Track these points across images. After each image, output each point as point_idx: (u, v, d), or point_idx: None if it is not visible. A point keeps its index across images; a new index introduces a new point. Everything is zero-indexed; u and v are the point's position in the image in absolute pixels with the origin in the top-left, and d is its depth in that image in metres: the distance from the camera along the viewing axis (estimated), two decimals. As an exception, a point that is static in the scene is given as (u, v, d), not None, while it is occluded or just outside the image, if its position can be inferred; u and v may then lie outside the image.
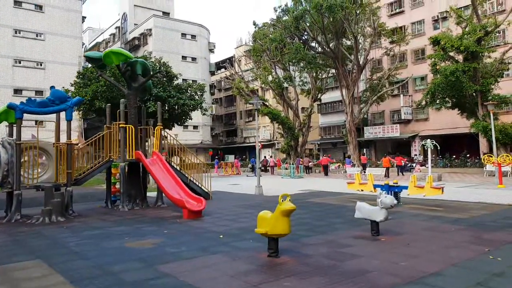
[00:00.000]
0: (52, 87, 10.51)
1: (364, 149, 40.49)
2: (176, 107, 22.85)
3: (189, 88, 24.58)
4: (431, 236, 7.37)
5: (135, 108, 12.58)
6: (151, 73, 12.92)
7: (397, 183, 11.87)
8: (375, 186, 12.38)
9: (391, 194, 11.83)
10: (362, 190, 12.87)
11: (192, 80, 46.79)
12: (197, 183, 13.83)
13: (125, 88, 12.83)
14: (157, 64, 23.58)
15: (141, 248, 6.68)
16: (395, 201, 7.30)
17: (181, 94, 23.24)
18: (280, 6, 28.36)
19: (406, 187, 11.54)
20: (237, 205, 12.40)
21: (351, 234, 7.65)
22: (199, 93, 24.89)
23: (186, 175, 13.43)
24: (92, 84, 21.47)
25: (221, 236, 7.53)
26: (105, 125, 12.68)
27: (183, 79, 35.57)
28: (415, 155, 35.44)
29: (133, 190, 12.49)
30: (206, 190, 14.00)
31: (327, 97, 42.74)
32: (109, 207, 12.47)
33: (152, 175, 11.15)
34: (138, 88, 12.68)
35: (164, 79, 23.08)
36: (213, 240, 7.25)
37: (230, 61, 45.35)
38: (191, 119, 25.96)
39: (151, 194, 14.06)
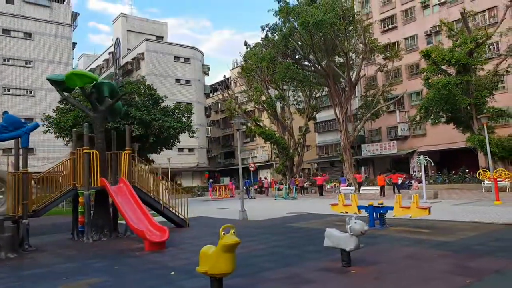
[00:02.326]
0: (5, 112, 9.94)
1: (363, 167, 39.58)
2: (163, 130, 22.23)
3: (176, 111, 24.06)
4: (409, 266, 6.51)
5: (102, 132, 11.94)
6: (119, 94, 12.32)
7: (382, 204, 11.04)
8: (359, 208, 11.54)
9: (376, 216, 11.01)
10: (346, 212, 11.99)
11: (187, 103, 46.55)
12: (173, 210, 13.03)
13: (91, 111, 12.20)
14: (141, 86, 23.17)
15: (73, 291, 5.87)
16: (366, 227, 6.48)
17: (167, 117, 22.68)
18: (268, 25, 28.18)
19: (391, 208, 10.69)
20: (212, 233, 11.52)
21: (320, 266, 6.80)
22: (186, 115, 24.35)
23: (160, 203, 12.66)
24: (74, 110, 20.95)
25: (173, 273, 6.70)
26: (70, 151, 12.01)
27: (177, 102, 35.21)
28: (414, 171, 34.44)
29: (100, 219, 11.70)
30: (183, 217, 13.17)
31: (323, 116, 42.16)
32: (75, 239, 11.66)
33: (115, 204, 10.39)
34: (105, 111, 12.08)
35: (149, 102, 22.59)
36: (162, 278, 6.42)
37: (224, 83, 45.07)
38: (179, 142, 25.33)
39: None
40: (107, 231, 11.58)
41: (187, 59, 47.87)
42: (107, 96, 12.10)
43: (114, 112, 13.14)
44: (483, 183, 21.77)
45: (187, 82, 47.51)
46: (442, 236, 8.95)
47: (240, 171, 16.07)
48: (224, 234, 4.92)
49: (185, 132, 24.20)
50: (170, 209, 12.99)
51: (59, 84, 11.67)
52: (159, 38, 51.85)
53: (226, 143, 56.48)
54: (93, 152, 11.16)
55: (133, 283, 6.17)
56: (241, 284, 5.83)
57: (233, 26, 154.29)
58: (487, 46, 29.33)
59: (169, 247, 9.19)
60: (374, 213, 10.94)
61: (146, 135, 21.88)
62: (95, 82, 11.85)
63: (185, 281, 6.15)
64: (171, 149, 26.16)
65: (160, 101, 23.59)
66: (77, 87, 12.07)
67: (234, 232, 5.01)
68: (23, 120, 10.18)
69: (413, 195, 10.52)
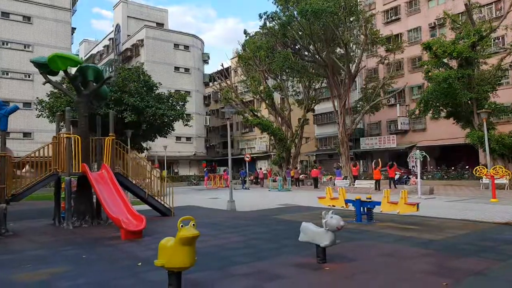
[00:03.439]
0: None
1: (361, 161, 39.22)
2: (156, 117, 21.89)
3: (171, 98, 23.68)
4: (387, 265, 6.20)
5: (86, 117, 11.62)
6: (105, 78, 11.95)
7: (370, 198, 10.71)
8: (346, 202, 11.23)
9: (364, 211, 10.69)
10: (333, 206, 11.67)
11: (185, 91, 46.17)
12: (157, 198, 12.77)
13: (75, 95, 11.88)
14: (135, 73, 22.80)
15: (27, 281, 5.59)
16: (342, 222, 6.16)
17: (161, 104, 22.32)
18: (266, 13, 27.54)
19: (379, 203, 10.36)
20: (197, 223, 11.22)
21: (294, 261, 6.51)
22: (180, 103, 23.98)
23: (145, 190, 12.39)
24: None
25: (139, 264, 6.43)
26: (53, 136, 11.73)
27: (176, 90, 34.86)
28: (413, 166, 33.97)
29: (82, 206, 11.46)
30: (168, 206, 12.92)
31: (322, 108, 41.68)
32: (56, 225, 11.43)
33: (95, 190, 10.12)
34: (89, 95, 11.74)
35: (144, 88, 22.20)
36: (127, 269, 6.15)
37: (222, 72, 44.43)
38: (173, 130, 25.03)
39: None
40: (88, 217, 11.35)
41: (186, 47, 47.34)
42: (92, 80, 11.78)
43: (100, 97, 12.81)
44: (481, 180, 21.41)
45: (186, 70, 47.06)
46: (428, 234, 8.63)
47: (230, 161, 15.81)
48: (182, 226, 4.61)
49: (179, 120, 23.87)
50: (155, 197, 12.73)
51: (42, 66, 11.35)
52: (160, 25, 51.27)
53: (225, 133, 56.16)
54: (74, 137, 10.86)
55: (95, 274, 5.90)
56: (206, 278, 5.55)
57: (238, 15, 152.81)
58: (492, 40, 28.68)
59: (146, 236, 8.92)
60: (361, 208, 10.62)
61: (139, 122, 21.57)
62: (79, 65, 11.51)
63: (148, 273, 5.86)
64: (166, 137, 25.88)
65: (155, 88, 23.21)
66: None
67: (193, 225, 4.71)
68: (2, 102, 9.86)
69: (402, 190, 10.18)
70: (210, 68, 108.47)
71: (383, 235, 8.71)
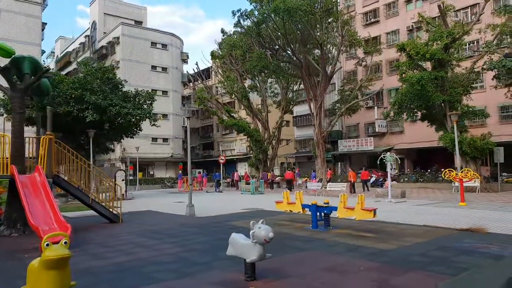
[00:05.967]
0: None
1: (339, 163, 38.79)
2: (120, 116, 20.78)
3: (137, 97, 22.61)
4: (324, 282, 5.44)
5: (20, 114, 10.57)
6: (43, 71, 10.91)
7: (327, 203, 9.97)
8: (303, 206, 10.48)
9: (320, 216, 9.96)
10: (290, 211, 10.94)
11: (162, 91, 45.09)
12: (103, 204, 11.79)
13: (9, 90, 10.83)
14: (98, 70, 21.65)
15: None
16: (272, 234, 5.36)
17: (126, 103, 21.22)
18: (240, 10, 26.76)
19: (335, 208, 9.63)
20: (141, 231, 10.33)
21: (220, 277, 5.72)
22: (148, 102, 22.91)
23: (88, 195, 11.41)
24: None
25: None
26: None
27: (152, 89, 33.71)
28: (390, 169, 33.66)
29: (14, 213, 10.37)
30: (115, 212, 11.95)
31: (302, 110, 41.08)
32: (-17, 233, 10.32)
33: (20, 194, 9.09)
34: (25, 89, 10.70)
35: (108, 86, 21.05)
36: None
37: (198, 72, 43.31)
38: (141, 130, 23.93)
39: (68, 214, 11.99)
40: (20, 225, 10.27)
41: (164, 46, 46.18)
42: (28, 73, 10.74)
43: (40, 92, 11.75)
44: (453, 183, 21.02)
45: (164, 69, 45.88)
46: (382, 243, 7.94)
47: (189, 163, 14.93)
48: (47, 245, 3.72)
49: (145, 120, 22.80)
50: (101, 203, 11.75)
51: (-31, 57, 10.26)
52: (138, 23, 49.98)
53: (205, 134, 55.11)
54: (3, 136, 9.83)
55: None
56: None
57: (226, 17, 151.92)
58: (467, 44, 28.53)
59: (75, 248, 7.87)
60: (318, 213, 9.89)
61: (102, 121, 20.44)
62: (13, 56, 10.49)
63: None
64: (132, 137, 24.74)
65: (120, 86, 22.11)
66: None
67: (65, 243, 3.83)
68: None
69: (358, 195, 9.47)
70: (191, 68, 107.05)
71: (335, 244, 7.99)
